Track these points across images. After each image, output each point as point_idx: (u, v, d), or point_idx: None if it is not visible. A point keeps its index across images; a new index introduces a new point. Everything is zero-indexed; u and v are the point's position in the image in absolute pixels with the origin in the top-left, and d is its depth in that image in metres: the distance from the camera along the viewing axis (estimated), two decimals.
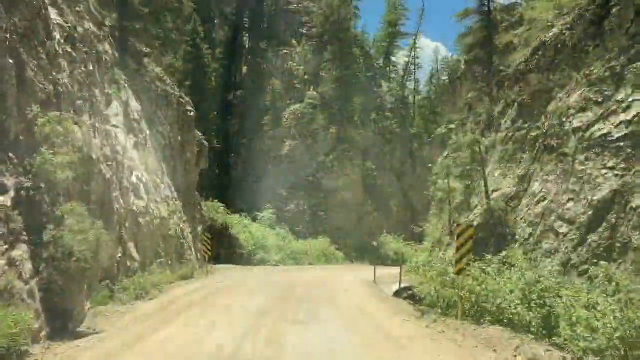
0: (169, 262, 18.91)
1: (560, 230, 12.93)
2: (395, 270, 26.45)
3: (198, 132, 31.21)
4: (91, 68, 15.86)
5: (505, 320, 9.49)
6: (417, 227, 27.93)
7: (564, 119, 14.19)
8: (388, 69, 54.81)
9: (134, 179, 17.43)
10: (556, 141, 14.29)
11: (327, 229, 42.30)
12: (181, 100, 27.42)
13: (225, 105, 53.07)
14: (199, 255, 25.08)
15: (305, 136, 46.19)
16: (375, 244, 38.57)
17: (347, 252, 40.12)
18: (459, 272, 10.64)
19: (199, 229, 28.36)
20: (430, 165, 28.71)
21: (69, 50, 13.71)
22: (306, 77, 49.87)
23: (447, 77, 60.37)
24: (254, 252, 34.06)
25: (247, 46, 55.27)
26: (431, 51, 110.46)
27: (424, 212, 53.30)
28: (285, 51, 51.08)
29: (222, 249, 33.33)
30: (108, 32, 21.07)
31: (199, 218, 29.56)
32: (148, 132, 21.62)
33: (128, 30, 24.63)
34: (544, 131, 15.02)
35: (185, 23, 44.10)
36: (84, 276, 9.72)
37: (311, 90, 48.85)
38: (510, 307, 9.44)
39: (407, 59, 55.96)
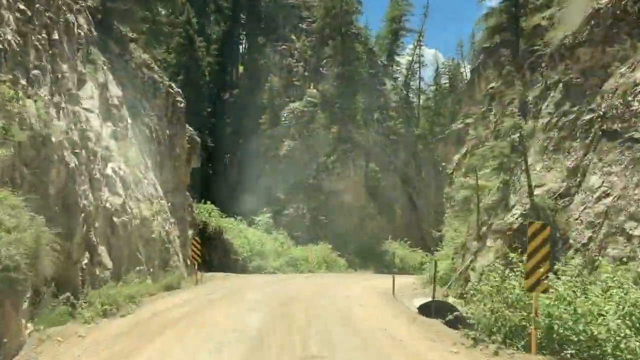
0: (151, 270, 16.22)
1: (634, 233, 10.34)
2: (408, 280, 23.86)
3: (189, 128, 28.60)
4: (56, 37, 13.22)
5: (605, 356, 6.85)
6: (437, 232, 25.24)
7: (630, 98, 11.63)
8: (391, 67, 52.36)
9: (108, 171, 14.77)
10: (620, 125, 11.72)
11: (327, 234, 39.65)
12: (170, 90, 24.80)
13: (220, 103, 50.58)
14: (188, 261, 22.41)
15: (305, 136, 43.61)
16: (387, 250, 35.99)
17: (349, 259, 37.43)
18: (532, 288, 7.99)
19: (189, 232, 25.69)
20: (444, 164, 26.15)
21: (21, 6, 11.08)
22: (306, 73, 47.35)
23: (447, 81, 58.67)
24: (250, 258, 31.37)
25: (243, 41, 52.77)
26: (431, 56, 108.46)
27: (428, 217, 50.82)
28: (284, 47, 48.56)
29: (215, 255, 30.69)
30: (85, 6, 18.55)
31: (189, 221, 26.89)
32: (130, 121, 18.99)
33: (112, 12, 22.13)
34: (601, 113, 12.44)
35: (179, 15, 41.64)
36: (14, 290, 7.05)
37: (311, 87, 46.34)
38: (614, 337, 6.83)
39: (410, 57, 53.63)
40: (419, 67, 52.07)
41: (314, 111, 44.32)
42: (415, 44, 53.62)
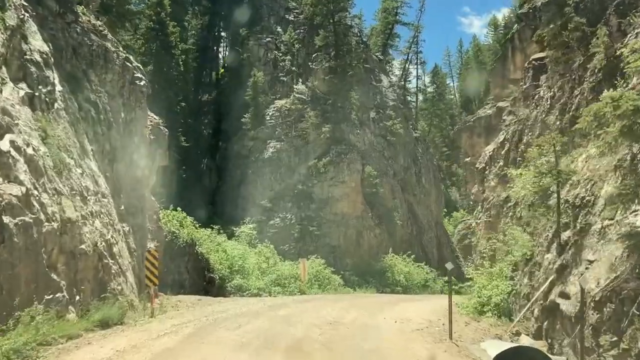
0: (77, 298, 10.91)
1: None
2: (427, 305, 18.80)
3: (155, 117, 23.42)
4: None
5: None
6: (495, 242, 20.03)
7: None
8: (387, 63, 47.67)
9: (3, 145, 9.51)
10: None
11: (319, 248, 34.49)
12: (128, 63, 19.57)
13: (197, 102, 45.41)
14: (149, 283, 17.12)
15: (293, 136, 38.56)
16: (389, 266, 30.98)
17: (345, 276, 32.22)
18: None
19: (151, 245, 20.32)
20: (467, 159, 21.21)
21: None
22: (293, 68, 42.41)
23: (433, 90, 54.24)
24: (229, 277, 26.05)
25: (224, 34, 47.83)
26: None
27: (429, 229, 45.93)
28: (269, 39, 43.62)
29: (187, 273, 25.29)
30: None
31: (152, 230, 21.57)
32: (61, 89, 13.75)
33: None
34: None
35: None
36: None
37: (299, 83, 41.37)
38: None
39: (406, 56, 49.04)
40: (417, 64, 47.38)
41: (303, 109, 39.33)
42: (412, 40, 49.05)
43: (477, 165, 19.29)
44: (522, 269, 12.32)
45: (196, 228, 28.47)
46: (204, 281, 25.30)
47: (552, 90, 14.72)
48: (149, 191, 23.05)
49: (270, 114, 39.96)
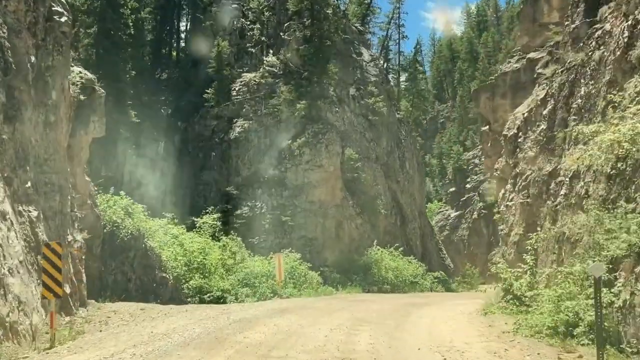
0: None
1: None
2: (452, 313, 14.47)
3: (85, 72, 18.49)
4: None
5: None
6: (554, 229, 15.61)
7: None
8: (367, 34, 43.24)
9: None
10: None
11: (294, 241, 29.94)
12: None
13: (155, 78, 40.21)
14: (68, 289, 12.31)
15: (263, 114, 33.80)
16: (375, 261, 26.66)
17: (325, 273, 27.73)
18: None
19: (77, 237, 15.47)
20: (486, 127, 16.86)
21: None
22: (262, 38, 37.57)
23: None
24: (186, 276, 21.31)
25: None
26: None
27: (413, 220, 41.78)
28: (235, 5, 38.61)
29: (132, 272, 20.38)
30: None
31: (82, 218, 16.69)
32: None
33: None
34: None
35: None
36: None
37: (270, 55, 36.58)
38: None
39: (385, 32, 44.66)
40: (399, 38, 43.00)
41: (274, 84, 34.62)
42: (392, 14, 44.63)
43: (504, 133, 14.97)
44: (632, 268, 7.98)
45: (147, 218, 23.62)
46: (154, 282, 20.45)
47: (632, 18, 10.44)
48: (82, 169, 18.18)
49: (236, 89, 35.12)
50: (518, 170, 14.16)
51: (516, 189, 14.12)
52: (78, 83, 17.04)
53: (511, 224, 14.18)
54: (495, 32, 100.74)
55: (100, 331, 11.16)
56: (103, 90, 18.39)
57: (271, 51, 36.58)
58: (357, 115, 36.21)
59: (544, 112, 13.24)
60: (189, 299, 20.57)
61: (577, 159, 11.32)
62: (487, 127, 17.47)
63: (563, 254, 11.64)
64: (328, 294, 23.83)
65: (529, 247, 12.82)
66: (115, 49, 29.30)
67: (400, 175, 39.05)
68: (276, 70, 35.19)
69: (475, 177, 67.83)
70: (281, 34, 36.87)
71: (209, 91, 34.99)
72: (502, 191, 15.33)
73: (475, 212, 64.89)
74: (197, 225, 28.91)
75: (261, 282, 22.85)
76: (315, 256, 29.29)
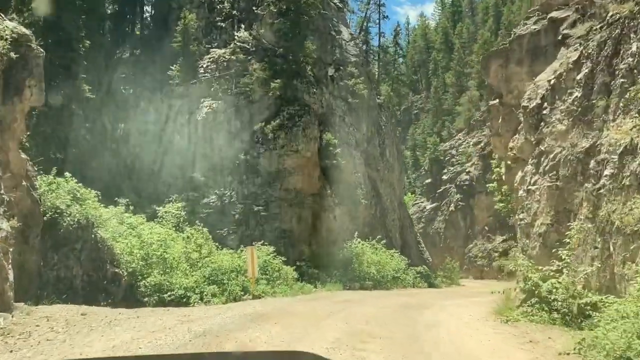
0: None
1: None
2: (469, 317, 11.92)
3: (23, 29, 15.41)
4: None
5: None
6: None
7: None
8: (346, 12, 40.50)
9: None
10: None
11: (267, 232, 27.25)
12: None
13: (114, 53, 36.76)
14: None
15: (234, 94, 30.83)
16: (357, 255, 24.13)
17: (302, 269, 25.10)
18: None
19: (4, 225, 12.50)
20: (495, 101, 14.40)
21: None
22: (234, 12, 34.52)
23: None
24: (144, 272, 18.43)
25: None
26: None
27: (393, 211, 39.44)
28: None
29: (78, 267, 17.35)
30: None
31: (12, 201, 13.71)
32: None
33: None
34: None
35: None
36: None
37: (241, 30, 33.56)
38: None
39: (366, 10, 42.05)
40: (379, 18, 40.39)
41: (246, 61, 31.65)
42: None
43: (524, 105, 12.50)
44: None
45: (99, 205, 20.61)
46: (105, 279, 17.50)
47: None
48: (16, 143, 15.16)
49: (204, 66, 32.05)
50: (543, 148, 11.75)
51: (540, 170, 11.72)
52: (8, 38, 13.94)
53: (535, 212, 11.78)
54: (470, 23, 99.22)
55: (11, 351, 8.31)
56: (41, 50, 15.26)
57: (243, 26, 33.56)
58: (335, 98, 33.53)
59: (578, 77, 10.86)
60: (145, 299, 17.73)
61: (632, 129, 8.93)
62: (497, 100, 15.12)
63: (611, 248, 9.25)
64: (306, 293, 21.23)
65: (567, 240, 10.42)
66: (67, 13, 25.94)
67: (380, 164, 36.62)
68: (248, 47, 32.25)
69: (452, 168, 66.09)
70: (254, 7, 33.90)
71: (173, 68, 31.87)
72: (520, 174, 12.94)
73: (452, 204, 63.13)
74: (159, 214, 26.07)
75: (230, 279, 20.15)
76: (291, 249, 26.65)
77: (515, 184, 13.05)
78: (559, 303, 10.12)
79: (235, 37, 32.85)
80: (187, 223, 25.41)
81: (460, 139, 69.32)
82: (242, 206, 28.03)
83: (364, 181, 33.16)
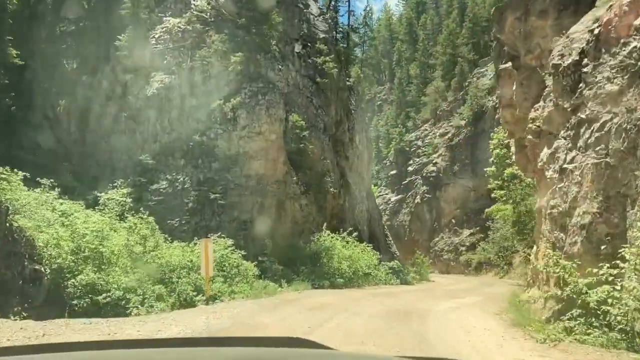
0: None
1: None
2: (451, 325, 9.17)
3: None
4: None
5: None
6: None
7: None
8: None
9: None
10: None
11: (225, 223, 24.26)
12: None
13: (56, 25, 32.74)
14: None
15: (190, 68, 27.51)
16: (326, 249, 21.37)
17: (264, 265, 22.15)
18: None
19: None
20: (507, 65, 11.74)
21: None
22: None
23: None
24: (73, 269, 15.12)
25: None
26: None
27: (361, 202, 36.86)
28: None
29: None
30: None
31: None
32: None
33: None
34: None
35: None
36: None
37: None
38: None
39: None
40: None
41: (204, 32, 28.35)
42: None
43: (554, 63, 9.86)
44: None
45: (25, 188, 17.23)
46: (21, 279, 14.12)
47: None
48: None
49: (156, 36, 28.57)
50: (584, 116, 9.19)
51: (580, 144, 9.17)
52: None
53: (574, 198, 9.22)
54: (434, 15, 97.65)
55: None
56: None
57: None
58: (303, 77, 30.58)
59: (636, 23, 8.33)
60: (74, 302, 14.46)
61: None
62: (510, 63, 12.54)
63: None
64: (270, 293, 18.31)
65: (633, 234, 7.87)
66: None
67: (349, 150, 33.93)
68: (206, 16, 28.95)
69: (418, 159, 64.19)
70: None
71: (121, 38, 28.25)
72: (546, 151, 10.35)
73: (417, 197, 61.21)
74: (101, 201, 22.73)
75: (180, 277, 17.04)
76: (251, 243, 23.67)
77: (540, 164, 10.50)
78: (617, 318, 7.59)
79: (192, 6, 29.50)
80: (133, 211, 22.06)
81: (426, 130, 67.48)
82: (197, 193, 24.84)
83: (333, 168, 30.38)
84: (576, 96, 9.37)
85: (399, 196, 64.98)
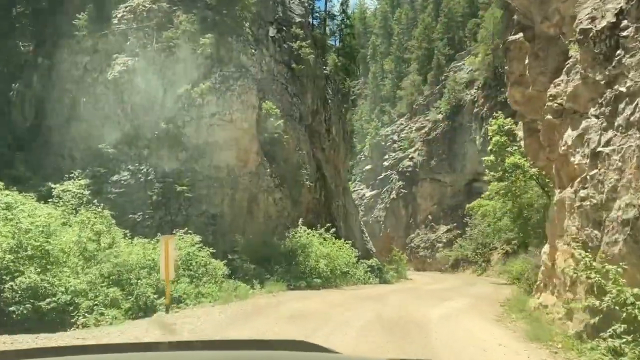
0: None
1: None
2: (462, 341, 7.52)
3: None
4: None
5: None
6: None
7: None
8: None
9: None
10: None
11: (192, 218, 22.38)
12: None
13: (3, 2, 30.21)
14: None
15: (155, 50, 25.41)
16: (303, 246, 19.67)
17: (235, 263, 20.35)
18: None
19: None
20: (518, 36, 10.17)
21: None
22: None
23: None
24: (13, 270, 13.12)
25: None
26: None
27: (337, 196, 35.23)
28: None
29: None
30: None
31: None
32: None
33: None
34: None
35: None
36: None
37: None
38: None
39: None
40: None
41: (171, 11, 26.28)
42: None
43: (583, 27, 8.25)
44: None
45: None
46: None
47: None
48: None
49: (119, 15, 26.38)
50: (623, 89, 7.68)
51: (619, 122, 7.66)
52: None
53: (611, 189, 7.69)
54: (409, 9, 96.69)
55: None
56: None
57: None
58: (277, 62, 28.74)
59: None
60: (12, 308, 12.47)
61: None
62: (521, 34, 11.04)
63: None
64: (242, 297, 16.50)
65: None
66: None
67: (325, 142, 32.24)
68: None
69: (394, 154, 62.92)
70: None
71: (80, 17, 25.97)
72: (570, 132, 8.78)
73: (393, 192, 59.93)
74: (55, 193, 20.56)
75: (140, 278, 15.12)
76: (221, 239, 21.83)
77: (563, 148, 8.96)
78: None
79: None
80: (91, 205, 19.97)
81: (402, 124, 66.26)
82: (162, 185, 22.87)
83: (309, 160, 28.65)
84: (612, 66, 7.86)
85: (374, 192, 63.66)
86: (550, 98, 9.50)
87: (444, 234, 52.04)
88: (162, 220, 22.32)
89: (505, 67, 11.69)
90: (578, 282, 8.26)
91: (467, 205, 35.91)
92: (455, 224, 50.42)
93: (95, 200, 19.44)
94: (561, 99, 9.19)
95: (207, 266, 18.64)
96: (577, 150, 8.57)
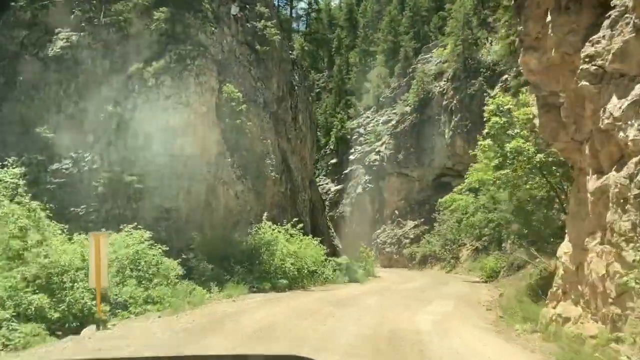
0: None
1: None
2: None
3: None
4: None
5: None
6: None
7: None
8: None
9: None
10: None
11: (142, 212, 20.00)
12: None
13: None
14: None
15: (102, 25, 22.77)
16: (266, 243, 17.52)
17: (190, 262, 18.07)
18: None
19: None
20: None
21: None
22: None
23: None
24: None
25: None
26: None
27: (302, 190, 33.16)
28: None
29: None
30: None
31: None
32: None
33: None
34: None
35: None
36: None
37: None
38: None
39: None
40: None
41: None
42: None
43: None
44: None
45: None
46: None
47: None
48: None
49: None
50: None
51: None
52: None
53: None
54: (374, 2, 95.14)
55: None
56: None
57: None
58: (240, 43, 26.41)
59: None
60: None
61: None
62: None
63: None
64: (197, 303, 14.28)
65: None
66: None
67: (291, 132, 30.10)
68: None
69: (360, 147, 61.15)
70: None
71: None
72: (615, 102, 6.96)
73: (359, 187, 58.17)
74: None
75: (76, 281, 12.72)
76: (175, 236, 19.55)
77: (606, 122, 7.14)
78: None
79: None
80: (29, 196, 17.32)
81: (368, 117, 64.57)
82: (108, 175, 20.37)
83: (274, 150, 26.47)
84: None
85: (339, 186, 61.82)
86: (587, 59, 7.67)
87: (411, 230, 50.58)
88: (109, 214, 19.88)
89: (519, 27, 9.76)
90: (634, 293, 6.48)
91: (440, 200, 34.32)
92: (422, 220, 48.97)
93: (34, 192, 16.87)
94: (602, 60, 7.39)
95: (158, 266, 16.36)
96: (629, 122, 6.78)
